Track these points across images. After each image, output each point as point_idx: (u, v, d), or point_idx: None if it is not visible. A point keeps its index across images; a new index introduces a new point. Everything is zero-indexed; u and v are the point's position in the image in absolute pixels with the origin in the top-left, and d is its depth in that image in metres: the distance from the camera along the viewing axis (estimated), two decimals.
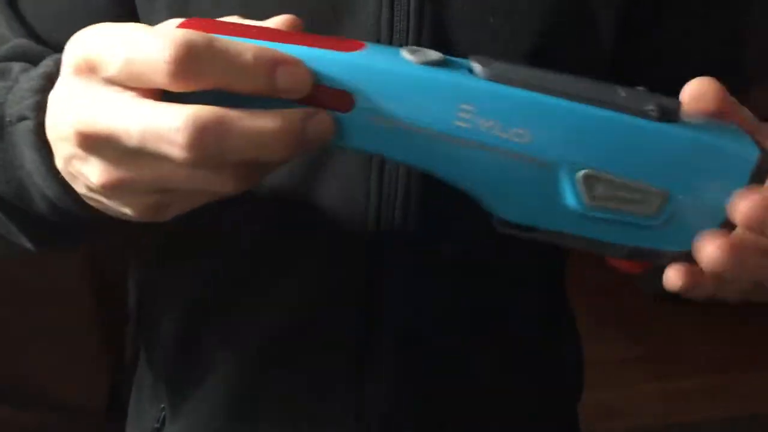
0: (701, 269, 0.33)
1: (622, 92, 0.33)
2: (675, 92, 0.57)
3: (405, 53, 0.33)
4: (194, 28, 0.31)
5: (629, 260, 0.36)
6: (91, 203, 0.36)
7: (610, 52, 0.52)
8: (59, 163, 0.35)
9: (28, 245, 0.49)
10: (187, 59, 0.29)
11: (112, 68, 0.30)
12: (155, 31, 0.30)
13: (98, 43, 0.31)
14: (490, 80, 0.32)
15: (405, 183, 0.49)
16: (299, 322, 0.53)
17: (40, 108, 0.37)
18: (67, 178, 0.36)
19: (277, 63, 0.30)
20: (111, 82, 0.31)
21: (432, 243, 0.51)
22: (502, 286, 0.56)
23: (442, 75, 0.32)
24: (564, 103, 0.32)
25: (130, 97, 0.30)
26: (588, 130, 0.32)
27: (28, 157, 0.39)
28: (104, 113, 0.31)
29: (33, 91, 0.39)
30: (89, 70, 0.31)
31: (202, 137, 0.29)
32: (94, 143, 0.31)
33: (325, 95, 0.32)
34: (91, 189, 0.34)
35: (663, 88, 0.58)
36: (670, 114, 0.32)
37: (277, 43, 0.32)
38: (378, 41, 0.46)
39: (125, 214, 0.35)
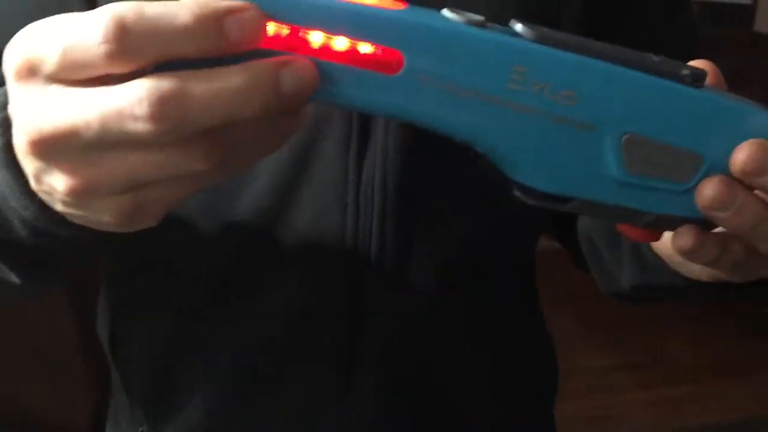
0: (708, 233, 0.34)
1: (655, 58, 0.33)
2: None
3: (448, 13, 0.32)
4: None
5: (650, 229, 0.36)
6: (74, 219, 0.34)
7: None
8: (31, 182, 0.33)
9: (15, 280, 0.47)
10: (121, 35, 0.26)
11: (50, 64, 0.28)
12: (87, 14, 0.27)
13: (32, 42, 0.29)
14: (539, 42, 0.31)
15: (381, 199, 0.49)
16: (279, 341, 0.52)
17: (7, 126, 0.34)
18: (44, 197, 0.34)
19: (220, 15, 0.27)
20: (54, 79, 0.29)
21: (410, 259, 0.51)
22: (479, 297, 0.56)
23: (493, 36, 0.31)
24: (609, 67, 0.32)
25: (78, 89, 0.28)
26: (631, 93, 0.32)
27: (1, 179, 0.36)
28: (55, 112, 0.28)
29: None
30: (29, 72, 0.29)
31: (164, 104, 0.26)
32: (50, 149, 0.29)
33: (374, 54, 0.30)
34: (65, 202, 0.32)
35: None
36: (701, 79, 0.33)
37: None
38: None
39: (107, 224, 0.32)
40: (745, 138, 0.33)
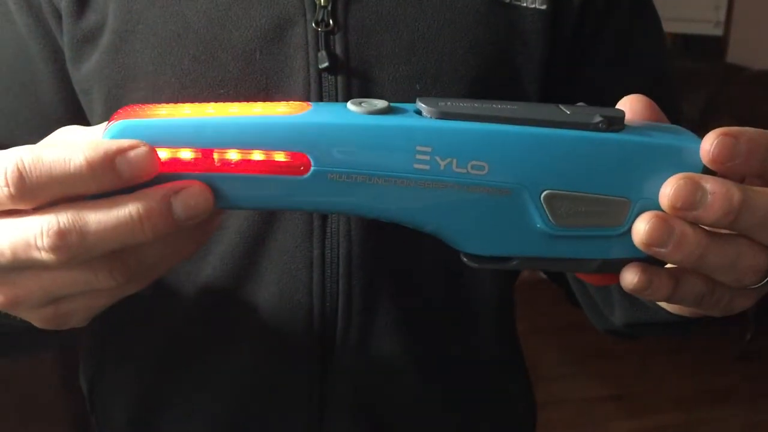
0: (657, 269, 0.33)
1: (566, 110, 0.33)
2: None
3: (351, 106, 0.33)
4: (128, 117, 0.31)
5: (601, 273, 0.35)
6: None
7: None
8: None
9: None
10: (19, 180, 0.29)
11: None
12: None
13: None
14: (440, 119, 0.32)
15: (346, 251, 0.50)
16: (253, 392, 0.53)
17: None
18: None
19: (111, 156, 0.29)
20: None
21: (377, 310, 0.52)
22: (452, 338, 0.56)
23: (393, 121, 0.32)
24: (515, 129, 0.32)
25: None
26: (542, 151, 0.32)
27: None
28: None
29: None
30: None
31: (62, 237, 0.29)
32: None
33: (280, 161, 0.31)
34: None
35: None
36: (617, 123, 0.33)
37: (219, 117, 0.31)
38: None
39: (39, 325, 0.35)
40: (671, 172, 0.32)
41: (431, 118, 0.32)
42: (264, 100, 0.46)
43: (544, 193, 0.33)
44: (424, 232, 0.34)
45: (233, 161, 0.31)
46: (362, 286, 0.50)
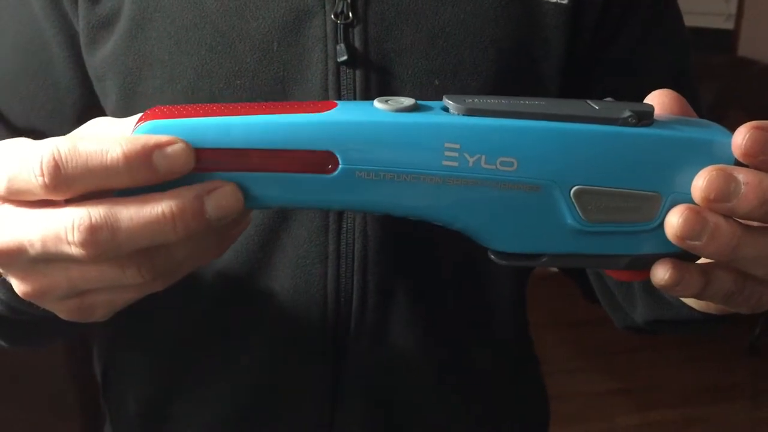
0: (688, 264, 0.33)
1: (595, 105, 0.33)
2: None
3: (378, 104, 0.32)
4: (156, 117, 0.31)
5: (631, 270, 0.35)
6: None
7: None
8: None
9: (4, 344, 0.49)
10: (55, 170, 0.29)
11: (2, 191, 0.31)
12: (31, 147, 0.30)
13: None
14: (468, 115, 0.32)
15: (362, 247, 0.49)
16: (266, 386, 0.53)
17: None
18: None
19: (149, 150, 0.29)
20: (4, 200, 0.32)
21: (391, 305, 0.51)
22: (466, 333, 0.56)
23: (421, 118, 0.32)
24: (544, 125, 0.32)
25: (25, 209, 0.31)
26: (572, 146, 0.32)
27: None
28: (5, 230, 0.31)
29: None
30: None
31: (93, 232, 0.29)
32: (2, 260, 0.32)
33: (308, 160, 0.31)
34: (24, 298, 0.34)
35: None
36: (646, 117, 0.32)
37: (246, 117, 0.31)
38: None
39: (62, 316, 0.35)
40: (703, 166, 0.32)
41: (459, 114, 0.32)
42: (281, 92, 0.47)
43: (574, 188, 0.33)
44: (452, 230, 0.34)
45: (261, 161, 0.31)
46: (377, 282, 0.50)
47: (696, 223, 0.31)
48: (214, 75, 0.47)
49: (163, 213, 0.30)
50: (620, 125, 0.32)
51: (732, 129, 0.64)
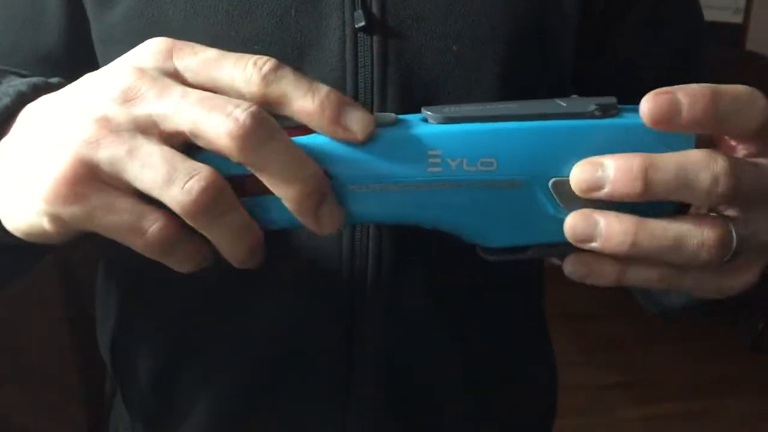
0: (598, 257, 0.34)
1: (563, 102, 0.35)
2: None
3: None
4: None
5: None
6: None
7: (571, 72, 0.53)
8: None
9: None
10: (273, 72, 0.32)
11: (196, 58, 0.33)
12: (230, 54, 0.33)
13: (189, 42, 0.34)
14: (446, 123, 0.34)
15: None
16: (276, 359, 0.53)
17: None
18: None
19: (345, 102, 0.33)
20: (180, 76, 0.33)
21: (406, 277, 0.51)
22: (478, 319, 0.56)
23: (403, 131, 0.34)
24: (518, 125, 0.34)
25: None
26: (545, 142, 0.34)
27: None
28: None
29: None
30: (166, 54, 0.34)
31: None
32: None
33: None
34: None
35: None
36: (611, 109, 0.35)
37: None
38: (343, 77, 0.47)
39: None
40: (666, 149, 0.33)
41: (437, 123, 0.34)
42: (298, 58, 0.47)
43: (552, 180, 0.35)
44: (442, 232, 0.36)
45: (256, 185, 0.33)
46: (392, 249, 0.50)
47: (586, 227, 0.33)
48: (231, 40, 0.47)
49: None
50: (587, 118, 0.34)
51: None
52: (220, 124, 0.30)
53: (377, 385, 0.53)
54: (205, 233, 0.32)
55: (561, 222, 0.35)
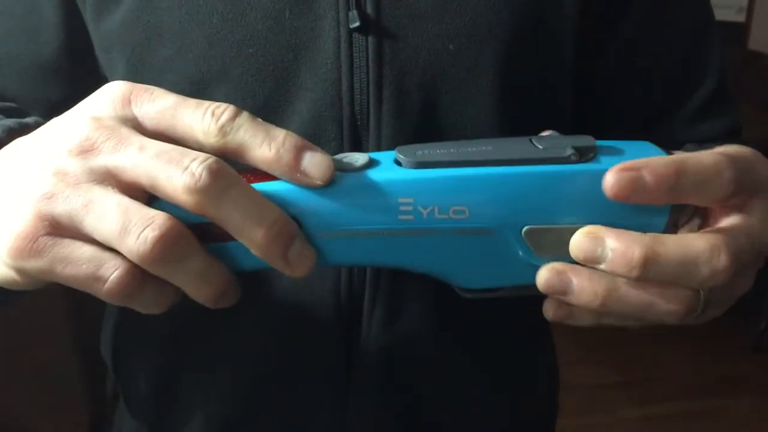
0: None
1: (539, 144, 0.34)
2: (628, 112, 0.57)
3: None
4: None
5: None
6: None
7: (571, 71, 0.53)
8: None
9: None
10: (234, 119, 0.32)
11: (154, 106, 0.33)
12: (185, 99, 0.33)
13: (148, 86, 0.33)
14: (418, 168, 0.33)
15: None
16: (278, 361, 0.53)
17: None
18: None
19: (303, 147, 0.33)
20: (139, 124, 0.33)
21: (405, 289, 0.51)
22: (478, 330, 0.56)
23: (375, 176, 0.33)
24: (491, 171, 0.33)
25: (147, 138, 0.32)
26: (519, 189, 0.33)
27: None
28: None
29: None
30: (124, 101, 0.34)
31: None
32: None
33: None
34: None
35: (617, 105, 0.57)
36: (588, 152, 0.34)
37: None
38: (339, 78, 0.47)
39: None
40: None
41: (409, 167, 0.33)
42: (292, 61, 0.47)
43: (525, 228, 0.34)
44: (416, 274, 0.36)
45: (223, 230, 0.33)
46: None
47: (558, 283, 0.34)
48: (226, 43, 0.47)
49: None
50: (563, 164, 0.33)
51: (743, 123, 0.62)
52: (177, 179, 0.31)
53: (377, 385, 0.52)
54: (167, 279, 0.33)
55: (533, 266, 0.35)
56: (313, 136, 0.47)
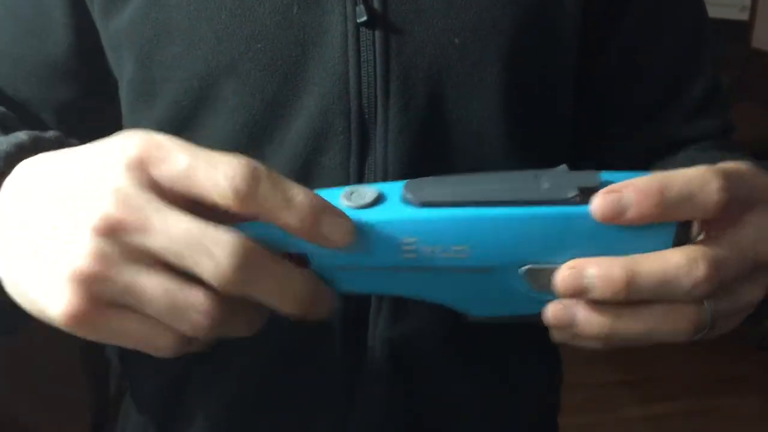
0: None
1: (544, 183, 0.34)
2: (628, 109, 0.57)
3: (343, 200, 0.35)
4: None
5: None
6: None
7: (573, 68, 0.53)
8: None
9: None
10: (253, 182, 0.31)
11: (169, 169, 0.32)
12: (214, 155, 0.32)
13: (159, 142, 0.33)
14: (423, 206, 0.34)
15: None
16: (286, 359, 0.53)
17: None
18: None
19: (322, 211, 0.32)
20: (158, 185, 0.32)
21: None
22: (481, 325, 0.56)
23: (381, 216, 0.34)
24: (494, 213, 0.34)
25: (176, 210, 0.32)
26: (520, 230, 0.34)
27: None
28: (146, 218, 0.32)
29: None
30: (139, 166, 0.33)
31: (246, 263, 0.31)
32: (120, 233, 0.32)
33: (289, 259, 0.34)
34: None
35: (617, 102, 0.58)
36: (593, 192, 0.33)
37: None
38: (346, 72, 0.47)
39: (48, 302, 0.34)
40: (645, 235, 0.34)
41: (415, 206, 0.34)
42: (300, 56, 0.47)
43: (524, 268, 0.35)
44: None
45: None
46: None
47: (563, 318, 0.35)
48: (235, 39, 0.47)
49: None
50: (566, 205, 0.33)
51: (745, 122, 0.63)
52: (204, 267, 0.31)
53: (382, 385, 0.52)
54: (250, 294, 0.33)
55: (535, 300, 0.35)
56: (322, 130, 0.48)
